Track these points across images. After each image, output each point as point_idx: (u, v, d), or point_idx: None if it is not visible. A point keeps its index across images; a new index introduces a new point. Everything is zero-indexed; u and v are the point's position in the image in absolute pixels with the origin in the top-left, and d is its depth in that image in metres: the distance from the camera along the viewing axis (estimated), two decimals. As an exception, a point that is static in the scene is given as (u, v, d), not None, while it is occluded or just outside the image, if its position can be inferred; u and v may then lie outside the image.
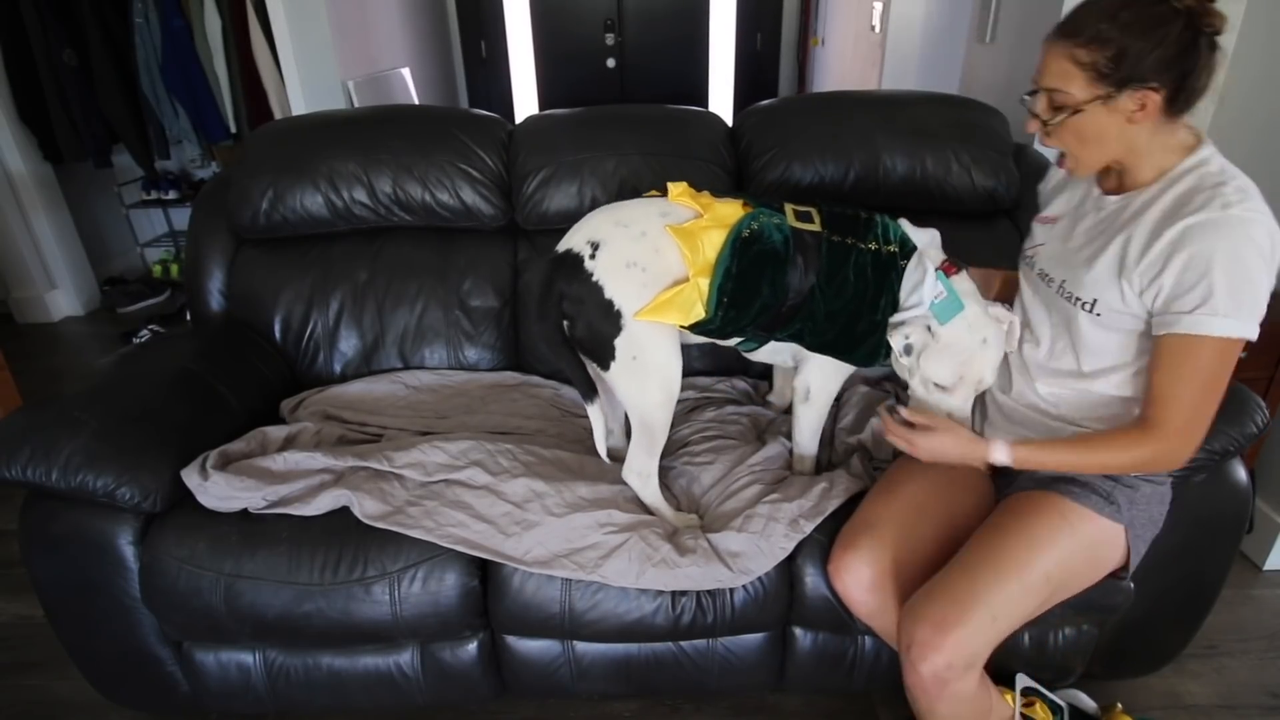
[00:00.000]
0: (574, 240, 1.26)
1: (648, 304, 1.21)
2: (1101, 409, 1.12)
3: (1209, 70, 0.94)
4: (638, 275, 1.22)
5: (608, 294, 1.21)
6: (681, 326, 1.26)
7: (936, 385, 1.19)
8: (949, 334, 1.17)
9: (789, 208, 1.28)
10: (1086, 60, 0.95)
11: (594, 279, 1.22)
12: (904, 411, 1.16)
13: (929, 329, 1.18)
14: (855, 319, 1.24)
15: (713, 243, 1.22)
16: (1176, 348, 0.99)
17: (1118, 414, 1.11)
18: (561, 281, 1.24)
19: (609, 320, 1.22)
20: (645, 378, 1.26)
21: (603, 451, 1.33)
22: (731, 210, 1.26)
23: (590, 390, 1.29)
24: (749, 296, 1.22)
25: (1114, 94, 0.95)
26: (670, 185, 1.31)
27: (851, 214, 1.30)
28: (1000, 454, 1.09)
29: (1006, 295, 1.30)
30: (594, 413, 1.30)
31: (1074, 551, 1.10)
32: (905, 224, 1.30)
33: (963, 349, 1.18)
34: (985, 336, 1.19)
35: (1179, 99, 0.95)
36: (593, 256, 1.22)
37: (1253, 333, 0.97)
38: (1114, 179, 1.09)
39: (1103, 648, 1.38)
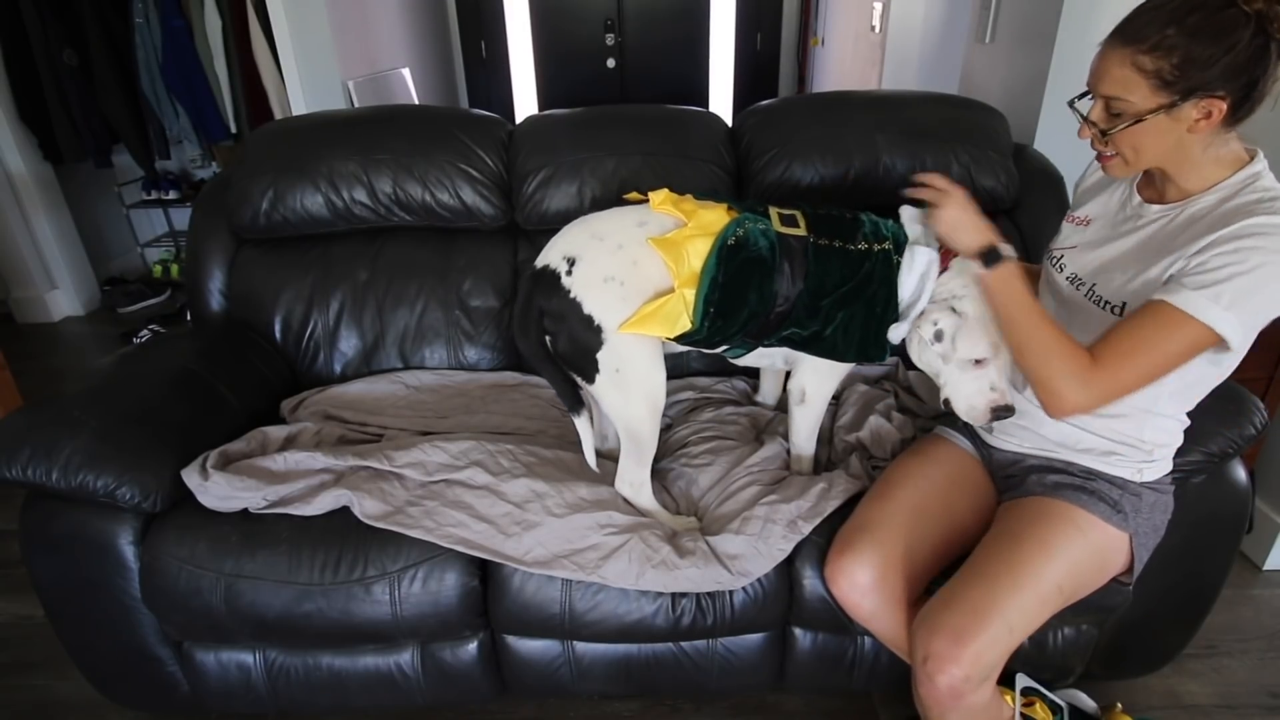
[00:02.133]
0: (550, 256, 1.26)
1: (631, 317, 1.21)
2: (1116, 417, 1.10)
3: (1274, 77, 0.91)
4: (616, 289, 1.21)
5: (587, 309, 1.21)
6: (669, 339, 1.25)
7: (975, 362, 1.16)
8: (973, 309, 1.16)
9: (774, 211, 1.27)
10: (1150, 68, 0.91)
11: (571, 295, 1.21)
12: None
13: (953, 310, 1.17)
14: (849, 320, 1.23)
15: (698, 252, 1.21)
16: (1164, 316, 0.95)
17: (1131, 427, 1.10)
18: (540, 298, 1.24)
19: (590, 335, 1.22)
20: (629, 390, 1.26)
21: (591, 462, 1.34)
22: (716, 217, 1.24)
23: (576, 403, 1.30)
24: (736, 306, 1.21)
25: (1178, 103, 0.91)
26: (651, 194, 1.29)
27: (837, 215, 1.29)
28: (1006, 249, 1.06)
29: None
30: (581, 425, 1.31)
31: (1085, 559, 1.09)
32: (905, 211, 1.28)
33: (989, 318, 1.15)
34: None
35: (1243, 107, 0.92)
36: (569, 272, 1.22)
37: (1238, 342, 0.94)
38: (1155, 187, 1.06)
39: (1102, 647, 1.38)
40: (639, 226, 1.25)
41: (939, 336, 1.17)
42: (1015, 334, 1.05)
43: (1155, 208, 1.05)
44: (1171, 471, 1.16)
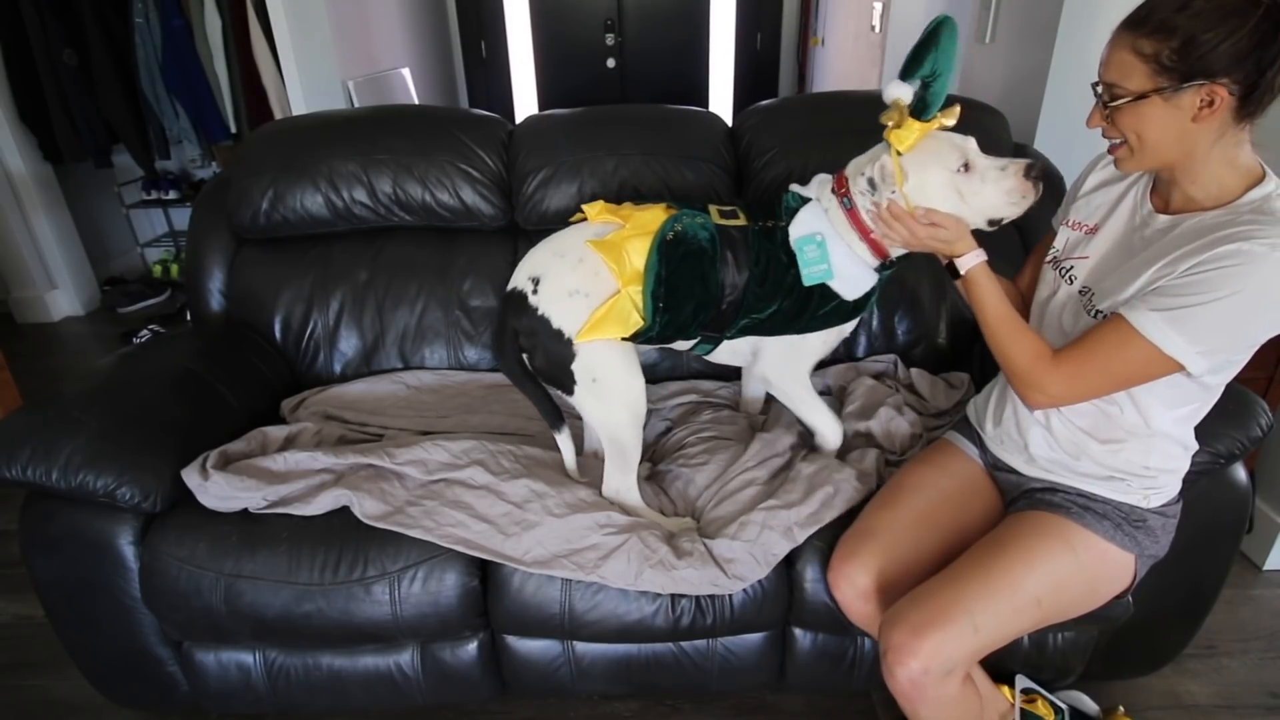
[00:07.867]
0: (518, 278, 1.30)
1: (584, 325, 1.23)
2: (1115, 443, 1.08)
3: None
4: (581, 301, 1.25)
5: (556, 324, 1.24)
6: (623, 338, 1.27)
7: (959, 169, 1.11)
8: (908, 157, 1.11)
9: (713, 208, 1.30)
10: (1149, 51, 0.88)
11: (540, 312, 1.25)
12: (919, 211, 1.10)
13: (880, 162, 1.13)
14: (804, 294, 1.25)
15: (638, 250, 1.24)
16: (1122, 331, 0.95)
17: (1137, 454, 1.07)
18: (512, 319, 1.28)
19: (562, 347, 1.25)
20: (608, 397, 1.28)
21: (573, 472, 1.37)
22: (652, 216, 1.28)
23: (557, 419, 1.33)
24: (683, 298, 1.24)
25: (1177, 87, 0.88)
26: (585, 207, 1.34)
27: (767, 200, 1.33)
28: (971, 259, 1.08)
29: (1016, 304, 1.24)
30: (563, 441, 1.35)
31: (1071, 577, 1.07)
32: (794, 187, 1.31)
33: (933, 143, 1.12)
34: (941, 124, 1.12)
35: (1252, 98, 0.88)
36: (535, 291, 1.26)
37: (1198, 369, 0.94)
38: (1162, 195, 1.02)
39: (1102, 648, 1.37)
40: (595, 238, 1.28)
41: (872, 184, 1.13)
42: (989, 324, 1.07)
43: (1163, 217, 1.01)
44: (1180, 491, 1.14)
